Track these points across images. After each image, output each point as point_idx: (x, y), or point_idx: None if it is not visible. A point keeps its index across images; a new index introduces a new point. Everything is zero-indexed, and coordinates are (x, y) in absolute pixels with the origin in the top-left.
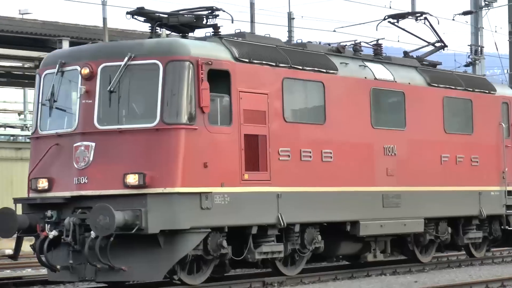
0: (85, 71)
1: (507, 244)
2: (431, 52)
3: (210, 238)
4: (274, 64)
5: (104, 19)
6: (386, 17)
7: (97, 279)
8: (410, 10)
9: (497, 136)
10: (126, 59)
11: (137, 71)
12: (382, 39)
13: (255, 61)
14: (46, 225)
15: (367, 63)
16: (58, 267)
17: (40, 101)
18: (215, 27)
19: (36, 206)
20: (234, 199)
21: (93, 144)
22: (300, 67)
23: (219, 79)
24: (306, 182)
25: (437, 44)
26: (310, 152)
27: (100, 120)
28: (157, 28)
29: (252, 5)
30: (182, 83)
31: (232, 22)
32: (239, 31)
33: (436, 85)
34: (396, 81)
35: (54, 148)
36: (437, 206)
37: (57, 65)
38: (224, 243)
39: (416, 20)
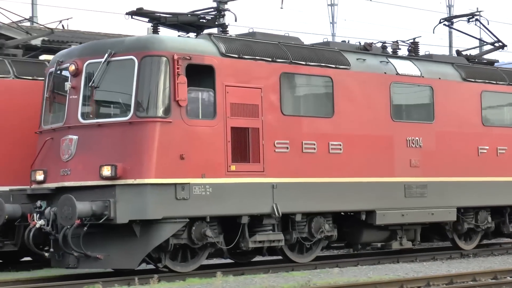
0: (72, 68)
1: None
2: (488, 51)
3: (194, 228)
4: (270, 59)
5: None
6: (441, 20)
7: (79, 267)
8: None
9: None
10: (106, 55)
11: (116, 67)
12: (419, 37)
13: (246, 57)
14: (35, 214)
15: (391, 59)
16: (46, 254)
17: (43, 98)
18: (223, 27)
19: (31, 196)
20: (217, 189)
21: (76, 137)
22: (303, 63)
23: (204, 74)
24: (308, 173)
25: (496, 44)
26: (314, 144)
27: (83, 114)
28: (158, 28)
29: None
30: (155, 78)
31: (236, 21)
32: (252, 30)
33: (472, 80)
34: (423, 76)
35: (49, 142)
36: (473, 196)
37: (55, 64)
38: (208, 232)
39: (468, 21)
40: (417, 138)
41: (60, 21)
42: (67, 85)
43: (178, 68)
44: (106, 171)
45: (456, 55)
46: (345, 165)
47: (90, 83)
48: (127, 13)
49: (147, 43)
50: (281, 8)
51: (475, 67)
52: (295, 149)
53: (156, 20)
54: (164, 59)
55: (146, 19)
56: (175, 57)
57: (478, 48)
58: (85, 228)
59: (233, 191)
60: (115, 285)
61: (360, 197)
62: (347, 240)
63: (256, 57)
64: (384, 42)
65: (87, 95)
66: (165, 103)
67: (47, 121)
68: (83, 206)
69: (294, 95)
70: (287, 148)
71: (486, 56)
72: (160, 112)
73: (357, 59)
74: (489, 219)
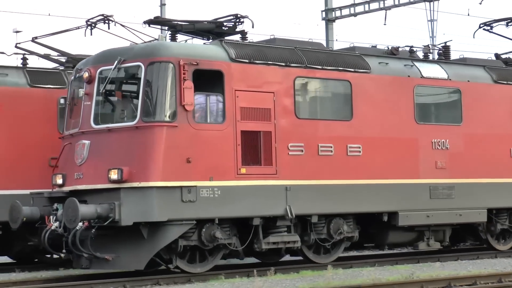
0: (85, 75)
1: None
2: None
3: (204, 230)
4: (283, 64)
5: None
6: (481, 25)
7: (92, 267)
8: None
9: None
10: (116, 62)
11: (125, 73)
12: (450, 41)
13: (258, 62)
14: (52, 217)
15: (417, 63)
16: (62, 255)
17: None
18: (243, 33)
19: (51, 199)
20: (226, 192)
21: (88, 142)
22: (319, 67)
23: (212, 79)
24: (325, 175)
25: None
26: (331, 147)
27: (95, 120)
28: (176, 36)
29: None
30: (161, 83)
31: (253, 27)
32: (274, 36)
33: (504, 82)
34: (450, 79)
35: (67, 147)
36: (506, 197)
37: (74, 72)
38: (218, 234)
39: (507, 25)
40: (443, 140)
41: None
42: (81, 91)
43: (184, 73)
44: (113, 174)
45: (495, 59)
46: (364, 167)
47: (101, 89)
48: (144, 22)
49: (153, 50)
50: (384, 24)
51: (509, 69)
52: (311, 152)
53: (173, 27)
54: (170, 64)
55: (164, 27)
56: (181, 62)
57: None
58: (93, 230)
59: (244, 194)
60: (236, 277)
61: (381, 198)
62: (374, 241)
63: (269, 62)
64: (412, 46)
65: (99, 101)
66: (171, 107)
67: (68, 127)
68: (86, 209)
69: (310, 98)
70: (302, 151)
71: None
72: (165, 116)
73: (379, 63)
74: None
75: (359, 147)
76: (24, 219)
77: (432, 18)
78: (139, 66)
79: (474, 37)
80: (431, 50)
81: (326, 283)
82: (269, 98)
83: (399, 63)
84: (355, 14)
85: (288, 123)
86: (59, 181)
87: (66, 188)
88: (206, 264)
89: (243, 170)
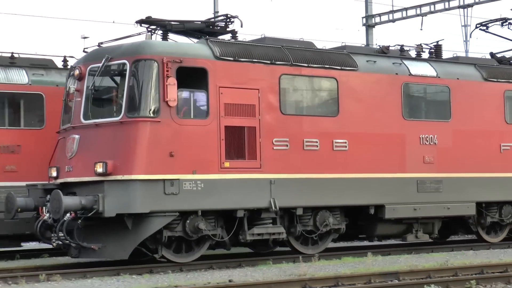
0: (76, 72)
1: None
2: None
3: (189, 221)
4: (269, 62)
5: None
6: (477, 25)
7: (81, 256)
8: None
9: None
10: (103, 60)
11: (112, 71)
12: (442, 40)
13: (242, 59)
14: (45, 208)
15: (406, 61)
16: (54, 244)
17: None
18: (233, 33)
19: (45, 191)
20: (209, 185)
21: (78, 136)
22: (305, 65)
23: (197, 76)
24: (310, 169)
25: None
26: (316, 142)
27: (84, 115)
28: (168, 35)
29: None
30: (145, 79)
31: (241, 27)
32: (264, 35)
33: (495, 79)
34: (439, 77)
35: (61, 141)
36: (495, 191)
37: (69, 70)
38: (202, 225)
39: (502, 25)
40: (431, 135)
41: None
42: (72, 88)
43: (167, 71)
44: (99, 168)
45: (490, 57)
46: (350, 162)
47: (90, 86)
48: (136, 22)
49: (138, 48)
50: (421, 29)
51: (499, 67)
52: (296, 147)
53: (164, 27)
54: (154, 62)
55: (154, 27)
56: (165, 60)
57: None
58: (80, 221)
59: (227, 187)
60: (282, 262)
61: (367, 192)
62: (364, 233)
63: (254, 60)
64: (402, 45)
65: (88, 97)
66: (155, 103)
67: (63, 122)
68: (70, 201)
69: (296, 95)
70: (287, 145)
71: None
72: (148, 112)
73: (367, 61)
74: None
75: (345, 142)
76: (19, 210)
77: (465, 24)
78: (124, 64)
79: (471, 37)
80: (423, 49)
81: (366, 269)
82: (253, 95)
83: (388, 61)
84: (393, 20)
85: (273, 119)
86: (54, 173)
87: (58, 181)
88: (193, 254)
89: (227, 164)
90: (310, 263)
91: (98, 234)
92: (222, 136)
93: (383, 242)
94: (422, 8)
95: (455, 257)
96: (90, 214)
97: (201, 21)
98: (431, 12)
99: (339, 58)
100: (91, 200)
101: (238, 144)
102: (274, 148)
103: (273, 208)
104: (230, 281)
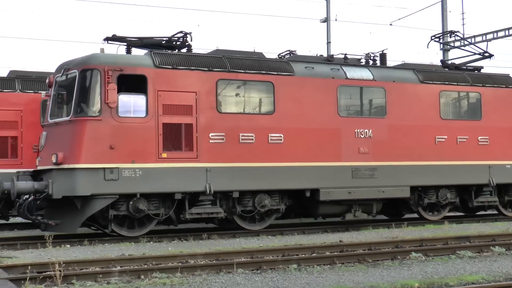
0: (48, 81)
1: None
2: (474, 60)
3: (132, 203)
4: (206, 69)
5: None
6: (432, 37)
7: (47, 230)
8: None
9: (506, 121)
10: (62, 70)
11: (68, 79)
12: (386, 49)
13: (181, 67)
14: None
15: (344, 67)
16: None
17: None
18: (189, 47)
19: (32, 177)
20: (147, 172)
21: (45, 133)
22: (242, 71)
23: (138, 82)
24: (245, 159)
25: (486, 54)
26: (252, 136)
27: (50, 115)
28: (131, 49)
29: None
30: (90, 85)
31: (191, 40)
32: (217, 48)
33: (430, 82)
34: (375, 80)
35: (42, 135)
36: (429, 176)
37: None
38: (141, 206)
39: (450, 37)
40: (366, 130)
41: None
42: (43, 94)
43: (108, 78)
44: (53, 158)
45: (441, 65)
46: (285, 153)
47: (53, 92)
48: (104, 39)
49: (86, 59)
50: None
51: (436, 71)
52: (232, 140)
53: (127, 43)
54: (97, 71)
55: (119, 43)
56: (106, 69)
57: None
58: (38, 202)
59: (164, 174)
60: (379, 228)
61: (302, 178)
62: (309, 212)
63: (192, 67)
64: (346, 54)
65: (54, 100)
66: (97, 105)
67: (47, 119)
68: (24, 185)
69: (233, 96)
70: (223, 139)
71: (472, 64)
72: (92, 112)
73: (306, 67)
74: (449, 195)
75: (281, 136)
76: (6, 192)
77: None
78: (75, 73)
79: (428, 48)
80: (372, 57)
81: (444, 233)
82: (191, 97)
83: (326, 67)
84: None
85: (210, 117)
86: (37, 162)
87: (33, 169)
88: (142, 229)
89: (164, 155)
90: (401, 229)
91: (56, 213)
92: (160, 132)
93: (457, 213)
94: (487, 35)
95: None
96: (42, 196)
97: (158, 37)
98: (494, 38)
99: (277, 65)
100: (43, 185)
101: (175, 138)
102: (211, 141)
103: (208, 191)
104: (340, 241)
